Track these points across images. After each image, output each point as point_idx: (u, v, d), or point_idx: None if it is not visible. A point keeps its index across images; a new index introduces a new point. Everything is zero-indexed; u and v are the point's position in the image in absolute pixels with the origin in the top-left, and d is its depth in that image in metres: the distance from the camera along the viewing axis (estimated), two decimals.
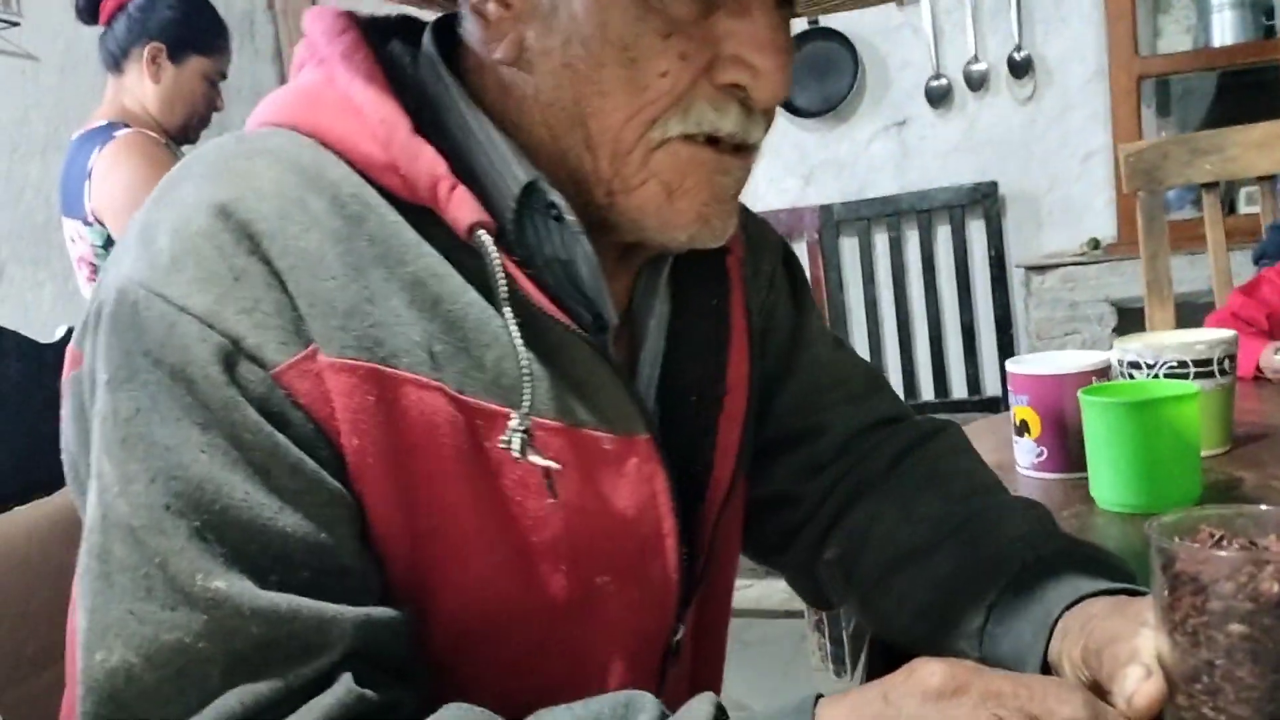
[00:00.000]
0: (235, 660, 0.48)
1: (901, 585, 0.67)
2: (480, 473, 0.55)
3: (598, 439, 0.59)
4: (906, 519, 0.69)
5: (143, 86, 1.87)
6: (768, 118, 0.60)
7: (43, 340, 0.94)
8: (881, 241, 3.19)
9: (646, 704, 0.48)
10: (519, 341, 0.54)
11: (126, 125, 1.82)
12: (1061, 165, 3.04)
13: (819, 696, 0.47)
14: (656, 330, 0.67)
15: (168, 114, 1.88)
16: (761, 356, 0.73)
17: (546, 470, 0.55)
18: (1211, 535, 0.45)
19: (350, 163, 0.55)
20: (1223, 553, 0.42)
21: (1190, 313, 1.85)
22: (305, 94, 0.59)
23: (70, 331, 0.95)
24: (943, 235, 3.15)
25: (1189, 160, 1.64)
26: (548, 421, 0.56)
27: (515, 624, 0.57)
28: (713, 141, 0.58)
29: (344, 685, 0.49)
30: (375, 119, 0.56)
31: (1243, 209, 2.87)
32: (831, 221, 3.20)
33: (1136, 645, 0.47)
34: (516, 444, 0.53)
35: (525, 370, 0.54)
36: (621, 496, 0.60)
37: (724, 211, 0.60)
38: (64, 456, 0.60)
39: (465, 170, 0.56)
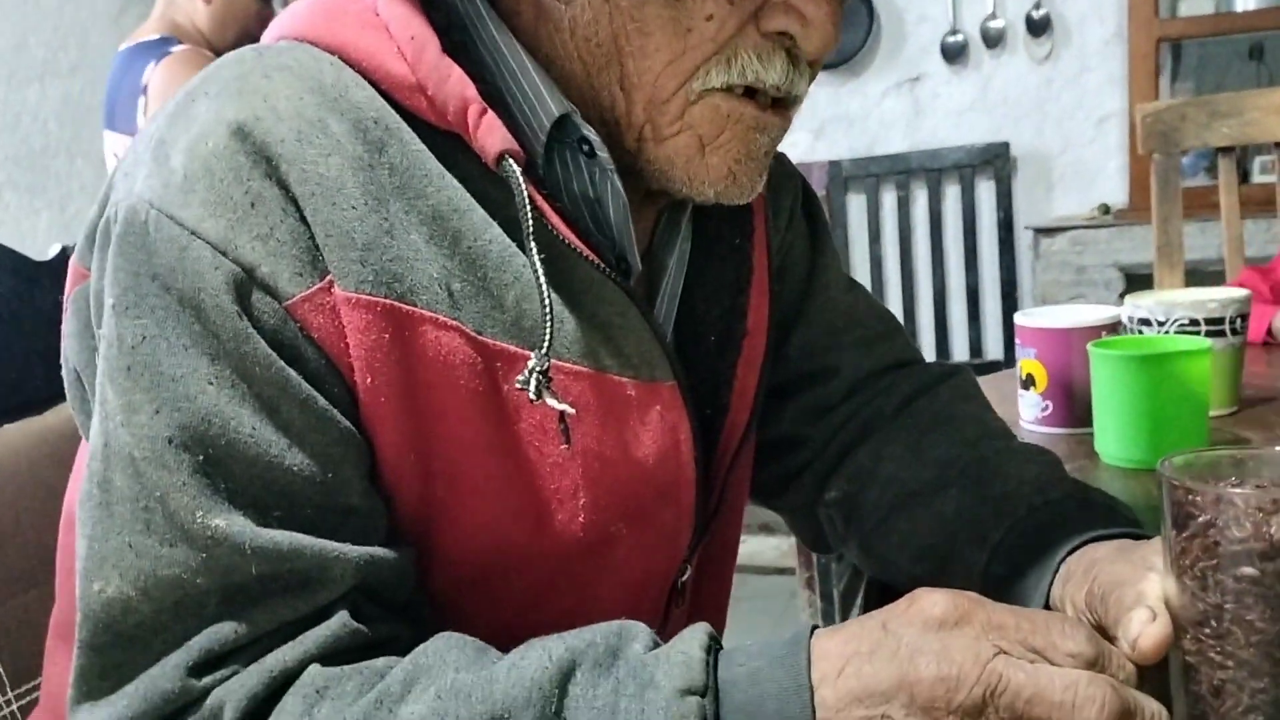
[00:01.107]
0: (233, 594, 0.48)
1: (904, 525, 0.66)
2: (497, 415, 0.53)
3: (621, 384, 0.57)
4: (913, 460, 0.68)
5: (194, 3, 1.83)
6: (813, 70, 0.57)
7: (37, 259, 0.92)
8: (890, 200, 3.16)
9: (639, 632, 0.47)
10: (543, 280, 0.52)
11: (179, 41, 1.78)
12: (1075, 128, 3.01)
13: (815, 627, 0.46)
14: (676, 269, 0.65)
15: (219, 33, 1.85)
16: (778, 296, 0.71)
17: (562, 415, 0.54)
18: (1222, 479, 0.44)
19: (374, 82, 0.53)
20: (1234, 494, 0.41)
21: (1199, 280, 1.83)
22: (328, 6, 0.56)
23: (64, 250, 0.94)
24: (951, 195, 3.12)
25: (1207, 123, 1.61)
26: (568, 365, 0.55)
27: (524, 565, 0.57)
28: (752, 95, 0.55)
29: (340, 619, 0.49)
30: (403, 35, 0.53)
31: (1257, 178, 2.84)
32: (840, 178, 3.17)
33: (1142, 589, 0.46)
34: (533, 385, 0.51)
35: (547, 310, 0.52)
36: (643, 444, 0.59)
37: (755, 170, 0.58)
38: (65, 372, 0.59)
39: (495, 97, 0.54)
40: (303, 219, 0.50)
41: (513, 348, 0.53)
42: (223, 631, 0.47)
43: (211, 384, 0.48)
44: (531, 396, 0.51)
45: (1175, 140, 1.60)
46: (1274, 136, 1.58)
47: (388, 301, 0.50)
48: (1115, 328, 0.97)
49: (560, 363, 0.54)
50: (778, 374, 0.73)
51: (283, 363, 0.49)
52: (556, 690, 0.44)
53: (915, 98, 3.13)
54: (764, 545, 2.72)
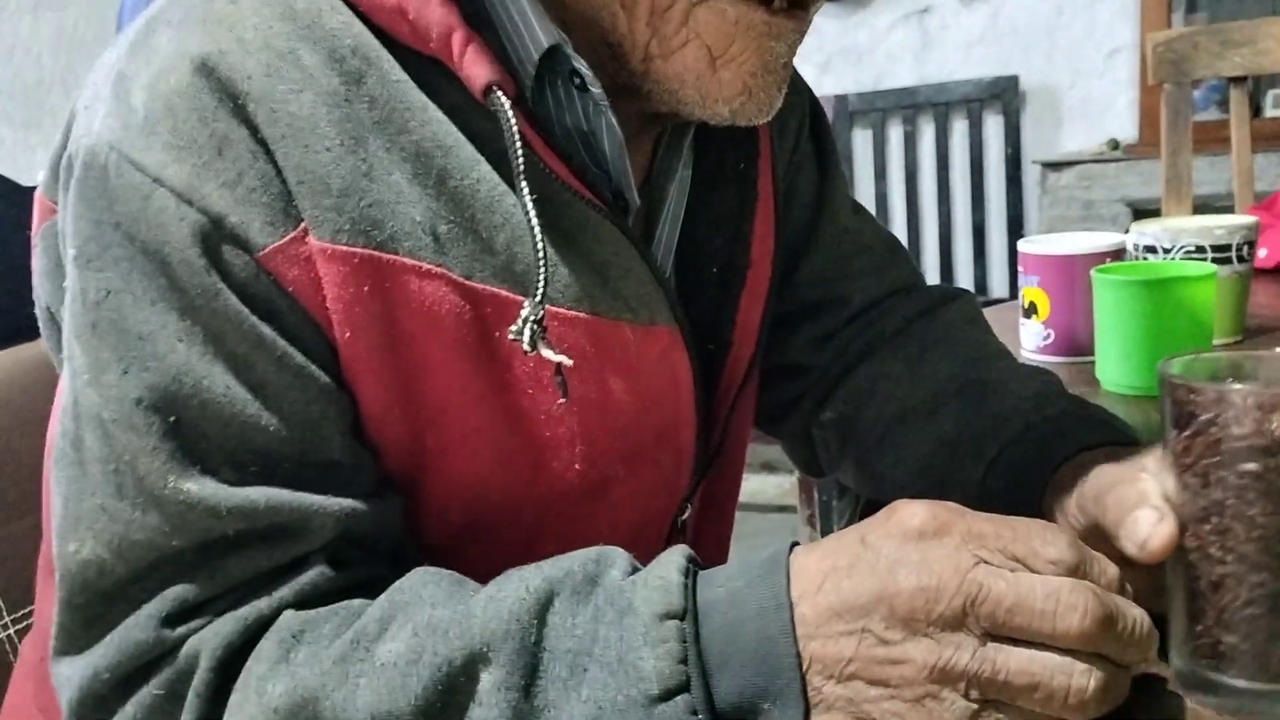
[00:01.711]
0: (209, 550, 0.47)
1: (901, 443, 0.66)
2: (487, 365, 0.51)
3: (618, 328, 0.54)
4: (911, 379, 0.68)
5: None
6: None
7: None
8: (896, 135, 3.12)
9: (617, 558, 0.46)
10: (535, 221, 0.49)
11: None
12: (1085, 60, 2.95)
13: (794, 544, 0.45)
14: (677, 195, 0.62)
15: None
16: (784, 224, 0.68)
17: (558, 367, 0.51)
18: (1220, 380, 0.44)
19: (351, 3, 0.49)
20: (1236, 392, 0.41)
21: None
22: None
23: None
24: (959, 130, 3.07)
25: (1219, 52, 1.58)
26: (563, 310, 0.52)
27: (518, 511, 0.55)
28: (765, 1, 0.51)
29: (318, 568, 0.48)
30: None
31: (1269, 112, 2.80)
32: (846, 113, 3.12)
33: (1143, 489, 0.46)
34: (527, 336, 0.48)
35: (540, 254, 0.49)
36: (641, 388, 0.57)
37: (773, 83, 0.53)
38: (38, 310, 0.57)
39: (482, 18, 0.50)
40: (273, 163, 0.47)
41: (504, 292, 0.50)
42: (198, 583, 0.47)
43: (181, 340, 0.46)
44: (526, 348, 0.48)
45: (1186, 70, 1.57)
46: None
47: (366, 251, 0.47)
48: (1120, 255, 0.96)
49: (554, 308, 0.51)
50: (785, 302, 0.72)
51: (255, 318, 0.47)
52: (535, 621, 0.44)
53: (924, 29, 3.07)
54: (765, 483, 2.73)
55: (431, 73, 0.50)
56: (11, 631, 0.77)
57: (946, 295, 0.75)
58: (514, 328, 0.49)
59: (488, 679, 0.43)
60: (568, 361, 0.50)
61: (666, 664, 0.42)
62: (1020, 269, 0.99)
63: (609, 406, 0.55)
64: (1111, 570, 0.42)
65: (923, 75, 3.08)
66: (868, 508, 0.73)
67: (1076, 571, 0.41)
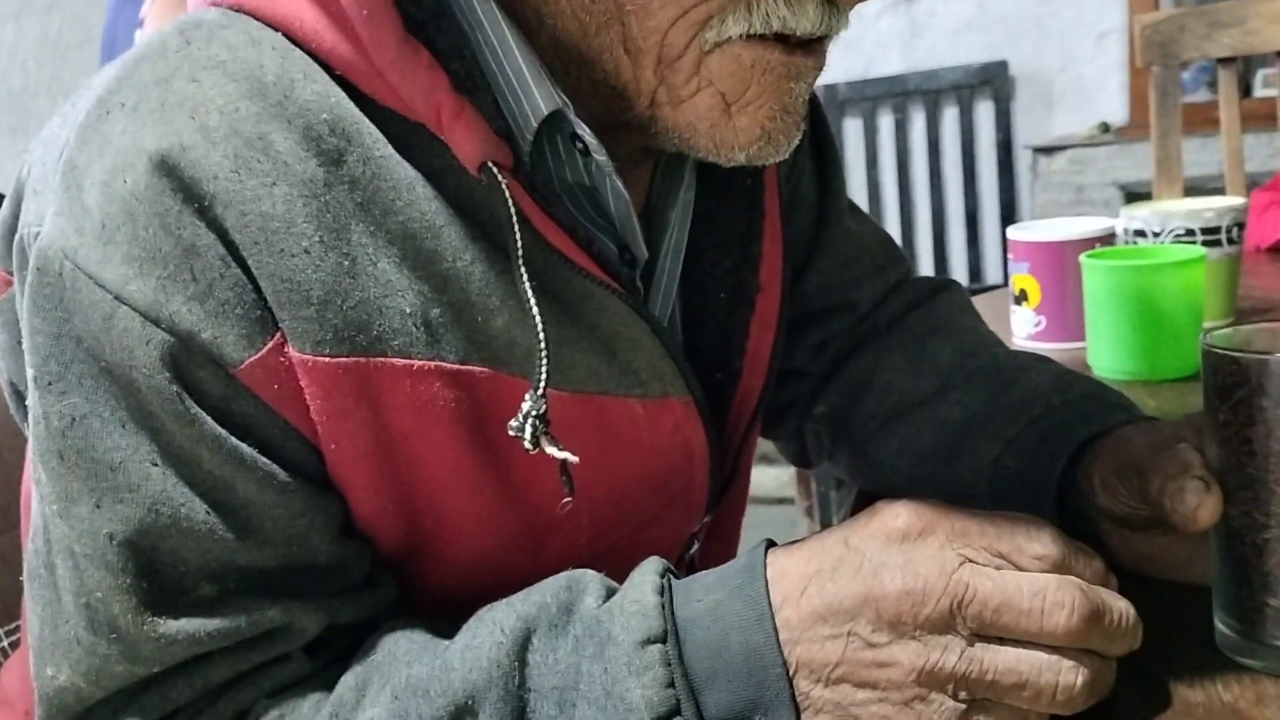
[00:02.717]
0: (189, 667, 0.45)
1: (905, 431, 0.65)
2: (487, 453, 0.48)
3: (627, 404, 0.52)
4: (911, 370, 0.67)
5: None
6: (851, 3, 0.48)
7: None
8: (886, 124, 3.11)
9: (589, 582, 0.45)
10: (535, 311, 0.45)
11: None
12: (1075, 44, 2.95)
13: (769, 545, 0.44)
14: (679, 221, 0.59)
15: None
16: (790, 239, 0.65)
17: (564, 463, 0.48)
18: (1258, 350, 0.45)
19: (326, 64, 0.45)
20: (1277, 359, 0.42)
21: (1199, 197, 1.80)
22: None
23: None
24: (950, 118, 3.07)
25: (1207, 33, 1.57)
26: (567, 393, 0.49)
27: (521, 582, 0.52)
28: (781, 37, 0.47)
29: (298, 660, 0.47)
30: (357, 12, 0.44)
31: (1259, 92, 2.79)
32: (836, 102, 3.11)
33: (1186, 458, 0.46)
34: (528, 433, 0.45)
35: (542, 345, 0.45)
36: (652, 464, 0.54)
37: (792, 124, 0.49)
38: (4, 383, 0.54)
39: (472, 80, 0.46)
40: (246, 271, 0.43)
41: (504, 375, 0.47)
42: (177, 691, 0.45)
43: (155, 465, 0.43)
44: (528, 446, 0.45)
45: (1174, 51, 1.56)
46: (1275, 46, 1.54)
47: (351, 360, 0.44)
48: (1109, 239, 0.95)
49: (558, 392, 0.48)
50: (792, 311, 0.70)
51: (235, 440, 0.44)
52: (516, 663, 0.43)
53: (911, 17, 3.06)
54: (764, 475, 2.73)
55: (417, 137, 0.46)
56: (5, 644, 0.77)
57: (937, 286, 0.74)
58: (514, 423, 0.46)
59: None
60: (573, 459, 0.46)
61: (654, 691, 0.41)
62: (1010, 256, 0.99)
63: (618, 483, 0.53)
64: (1097, 563, 0.42)
65: (912, 63, 3.07)
66: (863, 498, 0.73)
67: (1062, 566, 0.41)
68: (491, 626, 0.44)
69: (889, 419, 0.66)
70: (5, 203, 0.51)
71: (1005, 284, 0.99)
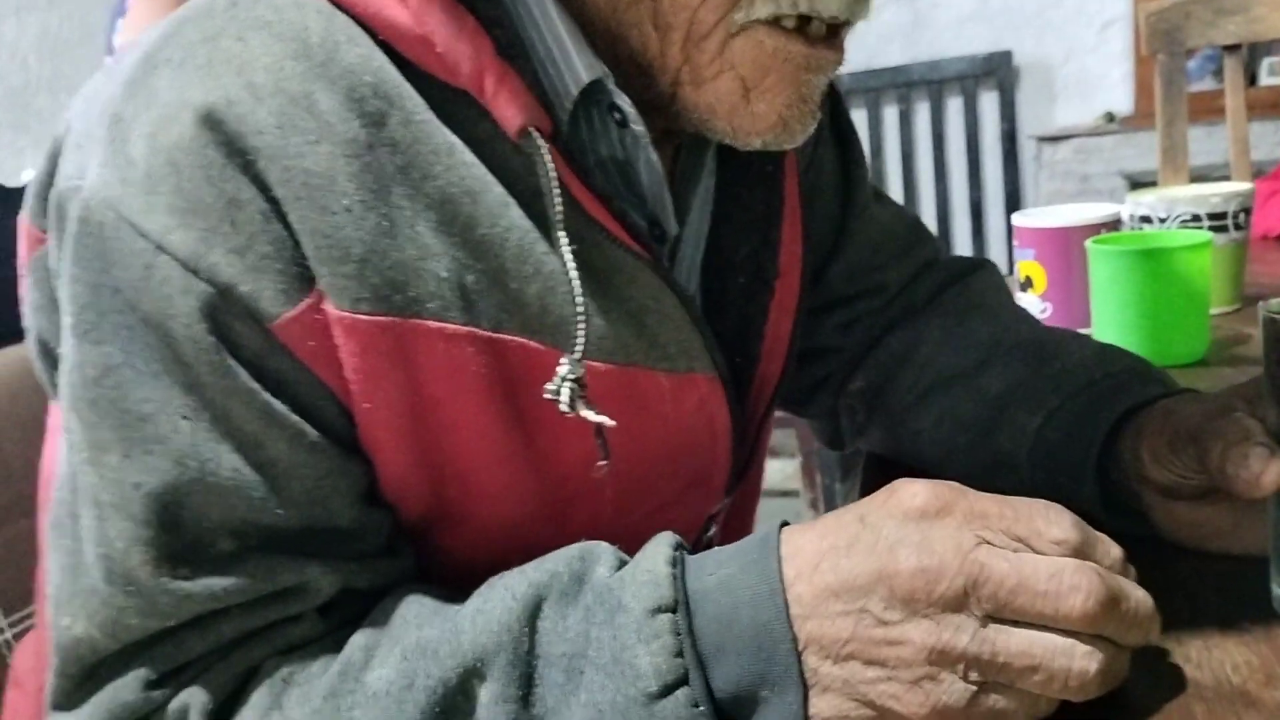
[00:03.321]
0: (203, 621, 0.45)
1: (943, 403, 0.65)
2: (515, 422, 0.48)
3: (653, 376, 0.52)
4: (950, 343, 0.67)
5: None
6: None
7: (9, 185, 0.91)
8: (891, 115, 3.11)
9: (602, 553, 0.45)
10: (575, 276, 0.46)
11: None
12: (1079, 33, 2.94)
13: (784, 524, 0.44)
14: (700, 205, 0.59)
15: None
16: (810, 226, 0.65)
17: (599, 427, 0.48)
18: None
19: (370, 29, 0.45)
20: None
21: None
22: None
23: None
24: (954, 108, 3.06)
25: (1212, 20, 1.57)
26: (597, 363, 0.49)
27: (540, 555, 0.52)
28: (804, 24, 0.48)
29: (310, 620, 0.46)
30: None
31: (1264, 80, 2.78)
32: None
33: (1246, 425, 0.46)
34: (565, 396, 0.46)
35: (580, 311, 0.46)
36: (676, 437, 0.54)
37: (808, 113, 0.51)
38: (30, 341, 0.54)
39: (515, 49, 0.46)
40: (287, 226, 0.43)
41: (534, 344, 0.47)
42: (189, 645, 0.45)
43: (186, 418, 0.43)
44: (564, 409, 0.46)
45: (1180, 39, 1.56)
46: None
47: (388, 319, 0.44)
48: (1115, 225, 0.95)
49: (589, 361, 0.48)
50: (819, 296, 0.71)
51: (267, 394, 0.44)
52: (526, 628, 0.42)
53: (914, 8, 3.06)
54: (769, 468, 2.72)
55: (458, 104, 0.46)
56: (9, 635, 0.77)
57: (972, 264, 0.75)
58: (550, 386, 0.46)
59: (485, 694, 0.42)
60: (610, 422, 0.47)
61: (662, 659, 0.40)
62: (1015, 242, 0.98)
63: (643, 457, 0.53)
64: (1115, 551, 0.41)
65: (915, 53, 3.06)
66: (868, 475, 0.73)
67: (1080, 552, 0.40)
68: (503, 592, 0.44)
69: (928, 391, 0.66)
70: (42, 162, 0.52)
71: (1010, 274, 0.99)
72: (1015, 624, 0.39)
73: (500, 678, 0.42)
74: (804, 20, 0.48)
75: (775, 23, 0.48)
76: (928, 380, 0.67)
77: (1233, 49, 1.56)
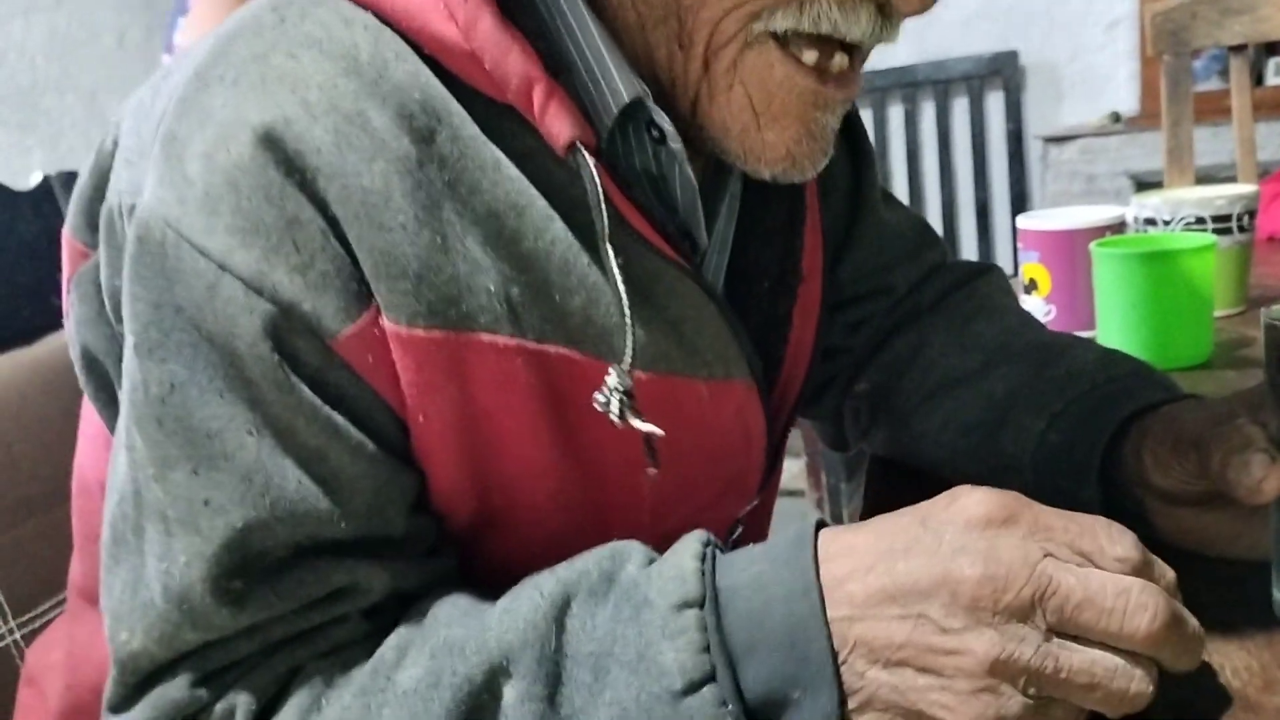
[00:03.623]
0: (255, 627, 0.46)
1: (948, 406, 0.65)
2: (561, 432, 0.49)
3: (692, 385, 0.52)
4: (956, 345, 0.67)
5: None
6: (907, 13, 0.49)
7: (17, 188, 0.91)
8: (896, 115, 3.10)
9: (633, 551, 0.45)
10: (623, 289, 0.47)
11: None
12: (1085, 33, 2.93)
13: (820, 524, 0.43)
14: (728, 212, 0.60)
15: None
16: (828, 230, 0.66)
17: (648, 436, 0.48)
18: None
19: (416, 44, 0.46)
20: None
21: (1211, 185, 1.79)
22: None
23: (45, 179, 0.92)
24: (960, 108, 3.06)
25: (1218, 21, 1.56)
26: (640, 373, 0.49)
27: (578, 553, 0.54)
28: (825, 57, 0.49)
29: (355, 622, 0.47)
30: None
31: (1271, 80, 2.78)
32: None
33: (1248, 432, 0.47)
34: (615, 407, 0.46)
35: (629, 323, 0.47)
36: (714, 444, 0.55)
37: (818, 149, 0.51)
38: (74, 354, 0.55)
39: (558, 63, 0.47)
40: (345, 243, 0.44)
41: (577, 354, 0.48)
42: (239, 647, 0.46)
43: (251, 434, 0.44)
44: (615, 419, 0.46)
45: (1186, 40, 1.55)
46: None
47: (442, 333, 0.45)
48: (1120, 228, 0.95)
49: (633, 371, 0.49)
50: (828, 296, 0.71)
51: (329, 409, 0.45)
52: (553, 626, 0.42)
53: None
54: None
55: (502, 118, 0.47)
56: (18, 635, 0.78)
57: (978, 269, 0.75)
58: (600, 397, 0.47)
59: (511, 692, 0.42)
60: (659, 432, 0.47)
61: (688, 655, 0.40)
62: (1020, 245, 0.98)
63: (683, 463, 0.53)
64: (1170, 573, 0.41)
65: (921, 53, 3.06)
66: (871, 488, 0.73)
67: (1140, 572, 0.39)
68: (532, 590, 0.44)
69: (933, 393, 0.67)
70: (84, 175, 0.52)
71: (1016, 275, 0.99)
72: (1075, 638, 0.38)
73: (526, 676, 0.42)
74: (826, 52, 0.48)
75: (789, 49, 0.48)
76: (933, 382, 0.67)
77: (1238, 49, 1.56)
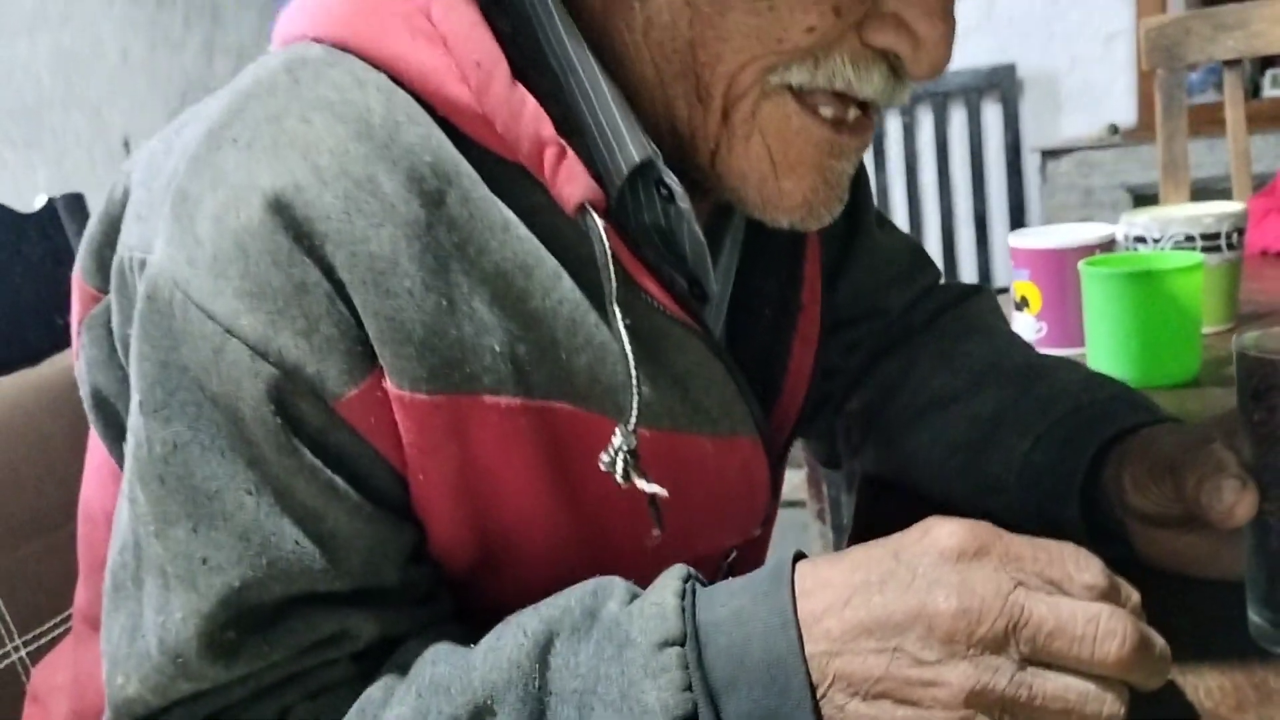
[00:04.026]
0: (247, 678, 0.47)
1: (936, 424, 0.66)
2: (562, 489, 0.50)
3: (698, 441, 0.53)
4: (945, 366, 0.69)
5: None
6: (917, 78, 0.50)
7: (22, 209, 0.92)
8: (894, 127, 3.12)
9: (615, 588, 0.45)
10: (629, 350, 0.47)
11: None
12: (1083, 46, 2.95)
13: (799, 557, 0.44)
14: (731, 244, 0.61)
15: None
16: (826, 256, 0.67)
17: (652, 497, 0.48)
18: None
19: (428, 105, 0.46)
20: None
21: (1206, 199, 1.80)
22: (368, 1, 0.48)
23: (50, 202, 0.93)
24: (958, 120, 3.07)
25: (1212, 36, 1.57)
26: (645, 430, 0.50)
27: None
28: (841, 109, 0.50)
29: (344, 665, 0.48)
30: (467, 58, 0.46)
31: (1268, 92, 2.79)
32: None
33: (1221, 457, 0.48)
34: (619, 467, 0.47)
35: (635, 383, 0.47)
36: (718, 498, 0.56)
37: (834, 196, 0.52)
38: (84, 392, 0.55)
39: (570, 121, 0.48)
40: (351, 308, 0.44)
41: (583, 411, 0.49)
42: (231, 692, 0.47)
43: (251, 494, 0.44)
44: (619, 480, 0.47)
45: (1179, 55, 1.57)
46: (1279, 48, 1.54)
47: (445, 397, 0.45)
48: (1110, 246, 0.96)
49: (638, 429, 0.49)
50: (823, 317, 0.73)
51: (329, 471, 0.45)
52: (537, 665, 0.43)
53: None
54: None
55: (512, 177, 0.47)
56: (23, 653, 0.78)
57: (968, 291, 0.77)
58: (605, 458, 0.47)
59: None
60: (663, 492, 0.48)
61: (670, 694, 0.40)
62: (1011, 262, 0.99)
63: (688, 518, 0.54)
64: (1135, 595, 0.42)
65: None
66: (860, 504, 0.74)
67: (1109, 597, 0.40)
68: (515, 629, 0.44)
69: (922, 412, 0.68)
70: (94, 221, 0.54)
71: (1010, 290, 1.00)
72: (1048, 665, 0.39)
73: (510, 715, 0.42)
74: (841, 105, 0.50)
75: (806, 100, 0.49)
76: (922, 401, 0.68)
77: (1233, 63, 1.57)
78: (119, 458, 0.54)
